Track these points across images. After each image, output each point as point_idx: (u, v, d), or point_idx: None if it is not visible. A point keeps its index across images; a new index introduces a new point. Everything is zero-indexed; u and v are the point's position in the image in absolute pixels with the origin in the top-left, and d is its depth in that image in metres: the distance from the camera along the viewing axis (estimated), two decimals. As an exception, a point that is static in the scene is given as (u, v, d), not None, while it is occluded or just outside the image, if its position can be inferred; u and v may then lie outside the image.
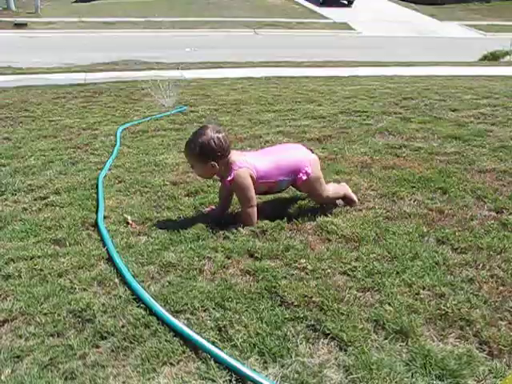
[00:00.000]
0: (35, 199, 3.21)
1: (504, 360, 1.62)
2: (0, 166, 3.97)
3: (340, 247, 2.41)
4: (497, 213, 2.78)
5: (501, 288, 2.03)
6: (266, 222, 2.66)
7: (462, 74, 9.85)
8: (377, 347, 1.70)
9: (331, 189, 2.78)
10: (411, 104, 6.18)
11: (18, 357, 1.71)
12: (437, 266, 2.17)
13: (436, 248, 2.35)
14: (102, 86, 8.61)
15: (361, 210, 2.84)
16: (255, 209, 2.64)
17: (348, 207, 2.88)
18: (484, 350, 1.67)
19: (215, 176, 2.74)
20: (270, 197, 2.92)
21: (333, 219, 2.71)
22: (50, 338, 1.79)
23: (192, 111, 6.01)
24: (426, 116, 5.34)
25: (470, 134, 4.42)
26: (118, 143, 4.39)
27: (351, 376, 1.55)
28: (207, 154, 2.55)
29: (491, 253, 2.29)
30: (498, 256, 2.26)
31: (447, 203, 2.91)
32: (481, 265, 2.19)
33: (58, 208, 3.00)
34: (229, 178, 2.60)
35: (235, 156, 2.64)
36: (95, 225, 2.71)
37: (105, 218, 2.81)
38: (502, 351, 1.65)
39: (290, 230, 2.62)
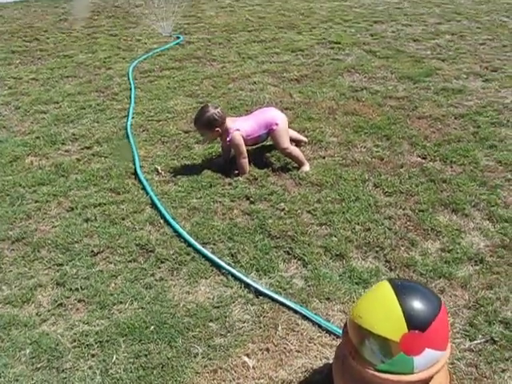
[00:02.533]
0: (82, 149, 4.26)
1: (397, 272, 2.83)
2: (41, 112, 4.97)
3: (308, 191, 3.54)
4: (422, 159, 3.90)
5: (407, 223, 3.20)
6: (257, 170, 3.77)
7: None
8: (325, 265, 2.89)
9: (295, 149, 3.80)
10: (380, 30, 7.08)
11: (114, 276, 2.89)
12: (369, 207, 3.33)
13: (372, 192, 3.49)
14: (96, 2, 9.23)
15: (324, 158, 3.94)
16: (246, 160, 3.73)
17: (315, 155, 3.98)
18: (387, 266, 2.86)
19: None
20: (261, 152, 3.99)
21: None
22: (130, 263, 2.97)
23: (188, 42, 6.87)
24: (390, 49, 6.28)
25: (421, 74, 5.43)
26: (133, 87, 5.35)
27: (308, 283, 2.76)
28: (213, 124, 3.63)
29: (408, 196, 3.44)
30: (412, 199, 3.42)
31: (388, 149, 4.02)
32: (399, 206, 3.35)
33: (103, 158, 4.07)
34: (227, 140, 3.70)
35: (230, 123, 3.71)
36: (135, 174, 3.80)
37: (140, 167, 3.90)
38: (396, 267, 2.85)
39: (274, 176, 3.75)
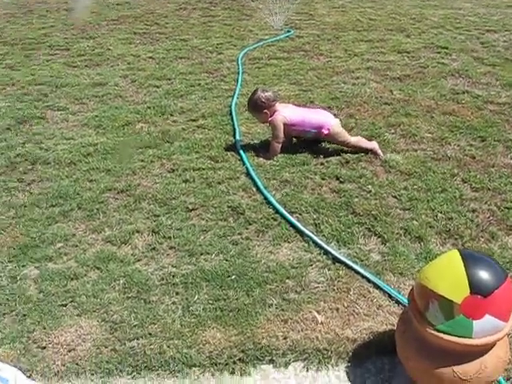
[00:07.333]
0: (188, 120, 4.60)
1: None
2: (154, 86, 5.38)
3: (395, 178, 3.66)
4: (516, 161, 3.90)
5: (491, 218, 3.24)
6: (350, 154, 3.93)
7: None
8: (403, 244, 3.01)
9: (354, 139, 3.92)
10: (491, 39, 6.95)
11: (204, 230, 3.17)
12: (454, 199, 3.40)
13: (459, 186, 3.55)
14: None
15: (416, 151, 4.03)
16: (280, 145, 3.91)
17: (409, 147, 4.08)
18: (463, 253, 2.94)
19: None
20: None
21: (396, 156, 3.94)
22: (220, 222, 3.23)
23: (298, 36, 7.09)
24: (499, 57, 6.18)
25: (528, 83, 5.34)
26: (241, 71, 5.65)
27: (384, 258, 2.90)
28: (260, 107, 3.86)
29: (495, 193, 3.47)
30: (499, 196, 3.44)
31: (481, 150, 4.04)
32: (484, 201, 3.39)
33: (206, 130, 4.39)
34: (270, 119, 3.90)
35: (279, 107, 3.92)
36: (234, 146, 4.08)
37: (240, 140, 4.17)
38: (473, 254, 2.92)
39: (365, 162, 3.89)
